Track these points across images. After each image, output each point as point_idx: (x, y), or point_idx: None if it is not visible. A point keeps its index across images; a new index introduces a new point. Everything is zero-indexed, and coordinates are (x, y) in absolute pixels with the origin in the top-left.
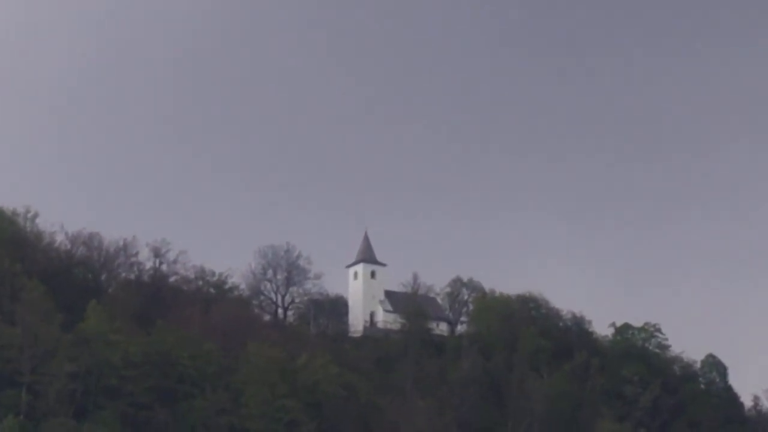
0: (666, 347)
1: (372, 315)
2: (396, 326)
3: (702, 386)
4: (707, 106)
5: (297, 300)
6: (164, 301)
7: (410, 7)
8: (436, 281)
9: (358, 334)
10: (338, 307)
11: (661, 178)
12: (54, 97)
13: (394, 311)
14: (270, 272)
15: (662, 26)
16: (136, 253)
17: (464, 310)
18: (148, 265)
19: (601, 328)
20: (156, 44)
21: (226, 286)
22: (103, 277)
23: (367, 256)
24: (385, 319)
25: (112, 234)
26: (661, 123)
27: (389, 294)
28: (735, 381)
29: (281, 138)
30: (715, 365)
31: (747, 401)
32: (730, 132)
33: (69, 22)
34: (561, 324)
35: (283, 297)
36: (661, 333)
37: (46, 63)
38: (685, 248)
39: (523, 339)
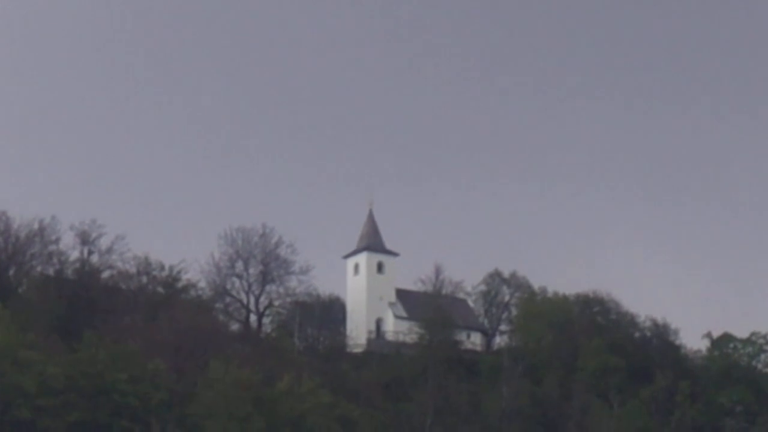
0: None
1: (379, 323)
2: (412, 338)
3: None
4: None
5: (276, 303)
6: (95, 305)
7: None
8: (467, 276)
9: (360, 350)
10: (333, 312)
11: None
12: None
13: (409, 317)
14: (240, 265)
15: None
16: (57, 240)
17: (505, 315)
18: (73, 255)
19: (693, 341)
20: None
21: (180, 284)
22: (12, 272)
23: (373, 242)
24: (396, 328)
25: (23, 214)
26: None
27: (402, 294)
28: None
29: (254, 89)
30: None
31: None
32: None
33: None
34: (637, 335)
35: (257, 298)
36: None
37: None
38: None
39: (586, 355)
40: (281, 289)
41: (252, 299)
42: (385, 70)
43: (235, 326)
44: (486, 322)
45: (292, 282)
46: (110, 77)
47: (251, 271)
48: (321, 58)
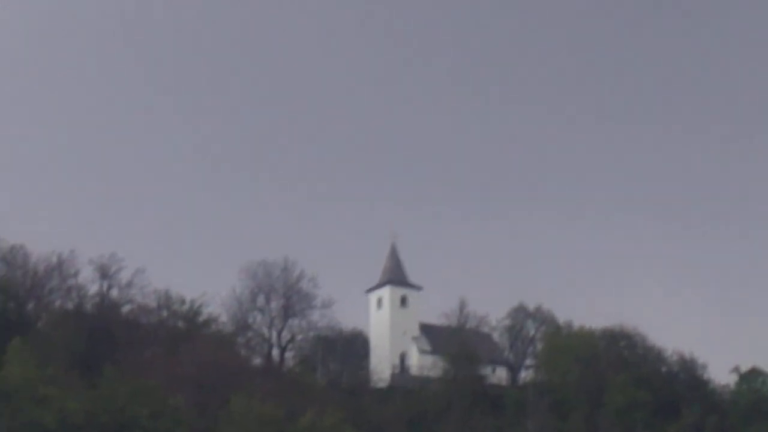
0: None
1: (403, 357)
2: (436, 372)
3: None
4: None
5: (299, 337)
6: (115, 340)
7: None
8: (491, 310)
9: (384, 384)
10: (356, 346)
11: None
12: None
13: (434, 352)
14: (261, 299)
15: None
16: (76, 274)
17: (530, 350)
18: (93, 289)
19: (721, 375)
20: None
21: (201, 318)
22: (30, 306)
23: (396, 276)
24: (420, 362)
25: (42, 247)
26: None
27: (426, 328)
28: None
29: (277, 124)
30: None
31: None
32: None
33: None
34: (664, 369)
35: (279, 333)
36: None
37: None
38: None
39: (612, 390)
40: (303, 323)
41: (274, 333)
42: (410, 103)
43: (257, 361)
44: (511, 356)
45: (315, 316)
46: (131, 110)
47: (273, 305)
48: (347, 90)
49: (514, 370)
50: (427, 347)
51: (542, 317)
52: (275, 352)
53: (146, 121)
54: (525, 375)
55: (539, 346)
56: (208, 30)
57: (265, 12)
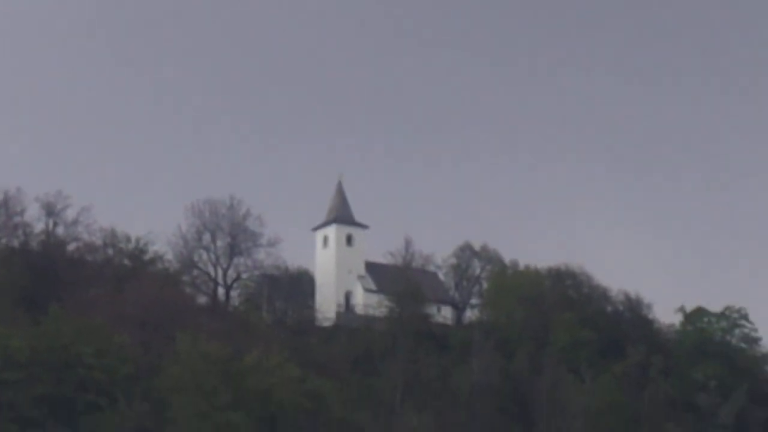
0: (755, 340)
1: (348, 296)
2: (382, 312)
3: None
4: None
5: (244, 275)
6: (59, 277)
7: None
8: (437, 249)
9: (329, 323)
10: (302, 285)
11: (750, 118)
12: None
13: (379, 291)
14: (207, 237)
15: None
16: (22, 211)
17: (476, 289)
18: (38, 227)
19: (666, 315)
20: None
21: (147, 257)
22: None
23: (342, 214)
24: (366, 301)
25: None
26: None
27: (372, 267)
28: None
29: (227, 62)
30: None
31: None
32: None
33: None
34: (610, 309)
35: (225, 271)
36: (749, 321)
37: None
38: None
39: (558, 329)
40: (249, 262)
41: (220, 272)
42: (361, 46)
43: (202, 299)
44: (456, 295)
45: (261, 255)
46: (82, 45)
47: (219, 243)
48: (294, 33)
49: (459, 309)
50: (373, 286)
51: (488, 256)
52: (221, 291)
53: (96, 57)
54: (470, 314)
55: (485, 285)
56: None
57: None
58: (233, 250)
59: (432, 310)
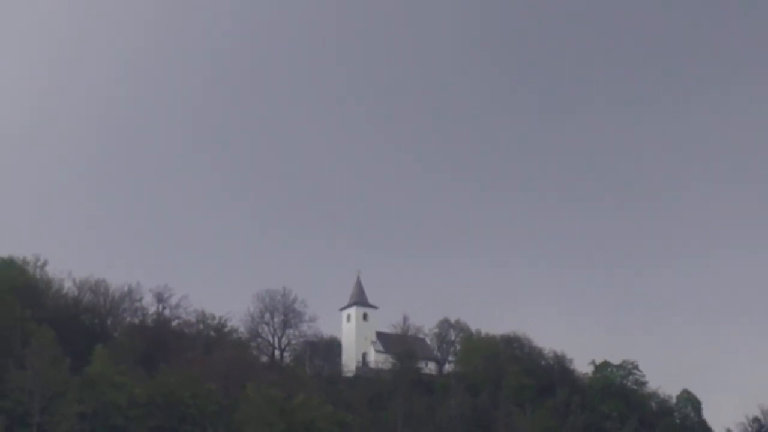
0: (643, 383)
1: (364, 355)
2: (387, 366)
3: (677, 420)
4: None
5: (293, 342)
6: (167, 344)
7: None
8: (425, 322)
9: (351, 374)
10: (332, 348)
11: (641, 229)
12: (60, 147)
13: (386, 351)
14: (267, 315)
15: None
16: (141, 299)
17: (452, 350)
18: (152, 309)
19: (582, 367)
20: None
21: (226, 329)
22: (109, 321)
23: (360, 299)
24: (376, 359)
25: (117, 280)
26: (649, 177)
27: (381, 335)
28: (708, 415)
29: (277, 184)
30: (689, 400)
31: None
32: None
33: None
34: (543, 363)
35: (279, 339)
36: (639, 370)
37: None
38: (662, 294)
39: (508, 377)
40: (296, 333)
41: (276, 340)
42: (367, 177)
43: (264, 359)
44: (439, 354)
45: (304, 327)
46: (177, 171)
47: (275, 320)
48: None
49: (440, 364)
50: (381, 348)
51: (460, 327)
52: (277, 353)
53: (193, 176)
54: (448, 367)
55: (458, 347)
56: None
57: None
58: (285, 325)
59: (422, 364)
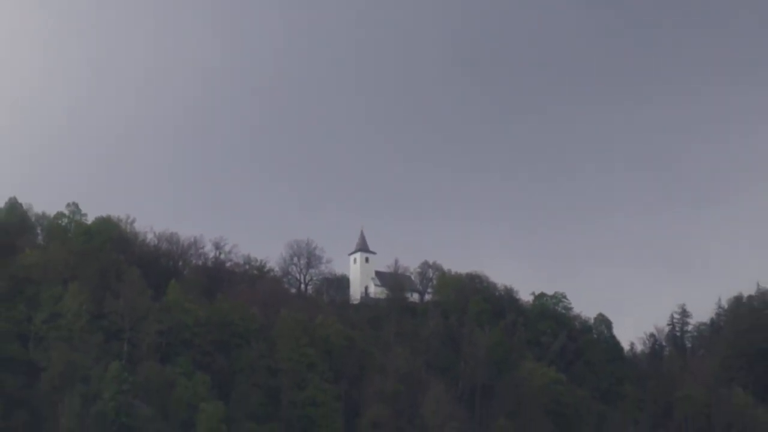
0: (569, 309)
1: (366, 288)
2: (383, 296)
3: (595, 336)
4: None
5: (314, 278)
6: (222, 280)
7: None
8: (411, 264)
9: (357, 302)
10: (343, 282)
11: (571, 195)
12: (156, 139)
13: (382, 285)
14: (295, 259)
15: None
16: (203, 247)
17: (430, 284)
18: (211, 255)
19: (525, 296)
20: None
21: (265, 269)
22: (180, 263)
23: (363, 246)
24: (375, 291)
25: (186, 233)
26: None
27: (379, 273)
28: (618, 332)
29: (305, 165)
30: (603, 321)
31: (626, 346)
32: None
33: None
34: (497, 293)
35: (304, 276)
36: (566, 299)
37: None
38: (584, 245)
39: (471, 304)
40: (317, 272)
41: (302, 277)
42: (370, 150)
43: (293, 291)
44: (421, 287)
45: (322, 268)
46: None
47: (302, 262)
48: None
49: (422, 294)
50: (379, 283)
51: (437, 267)
52: (302, 287)
53: (241, 157)
54: (428, 297)
55: (435, 282)
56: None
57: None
58: (309, 265)
59: (408, 295)
